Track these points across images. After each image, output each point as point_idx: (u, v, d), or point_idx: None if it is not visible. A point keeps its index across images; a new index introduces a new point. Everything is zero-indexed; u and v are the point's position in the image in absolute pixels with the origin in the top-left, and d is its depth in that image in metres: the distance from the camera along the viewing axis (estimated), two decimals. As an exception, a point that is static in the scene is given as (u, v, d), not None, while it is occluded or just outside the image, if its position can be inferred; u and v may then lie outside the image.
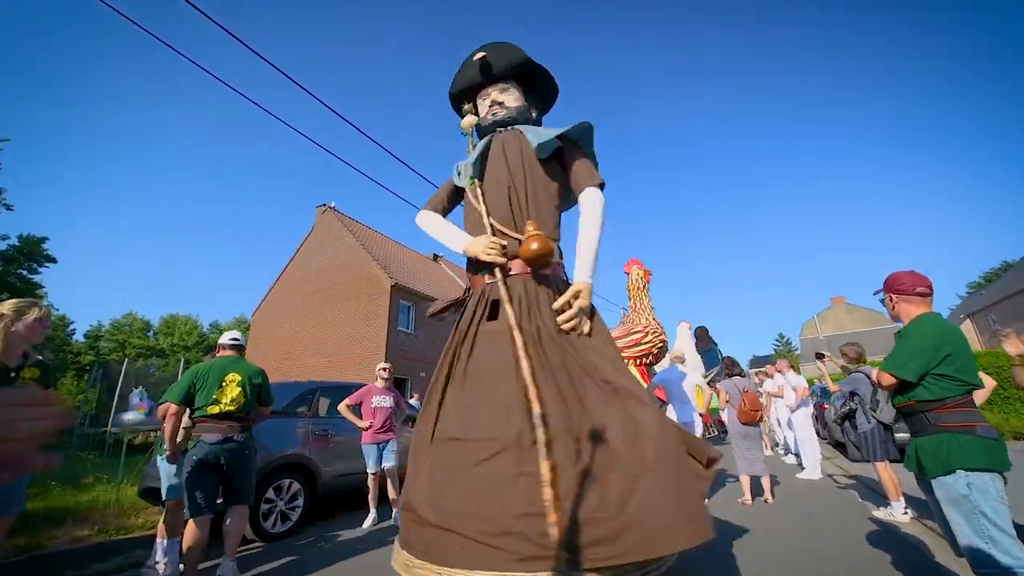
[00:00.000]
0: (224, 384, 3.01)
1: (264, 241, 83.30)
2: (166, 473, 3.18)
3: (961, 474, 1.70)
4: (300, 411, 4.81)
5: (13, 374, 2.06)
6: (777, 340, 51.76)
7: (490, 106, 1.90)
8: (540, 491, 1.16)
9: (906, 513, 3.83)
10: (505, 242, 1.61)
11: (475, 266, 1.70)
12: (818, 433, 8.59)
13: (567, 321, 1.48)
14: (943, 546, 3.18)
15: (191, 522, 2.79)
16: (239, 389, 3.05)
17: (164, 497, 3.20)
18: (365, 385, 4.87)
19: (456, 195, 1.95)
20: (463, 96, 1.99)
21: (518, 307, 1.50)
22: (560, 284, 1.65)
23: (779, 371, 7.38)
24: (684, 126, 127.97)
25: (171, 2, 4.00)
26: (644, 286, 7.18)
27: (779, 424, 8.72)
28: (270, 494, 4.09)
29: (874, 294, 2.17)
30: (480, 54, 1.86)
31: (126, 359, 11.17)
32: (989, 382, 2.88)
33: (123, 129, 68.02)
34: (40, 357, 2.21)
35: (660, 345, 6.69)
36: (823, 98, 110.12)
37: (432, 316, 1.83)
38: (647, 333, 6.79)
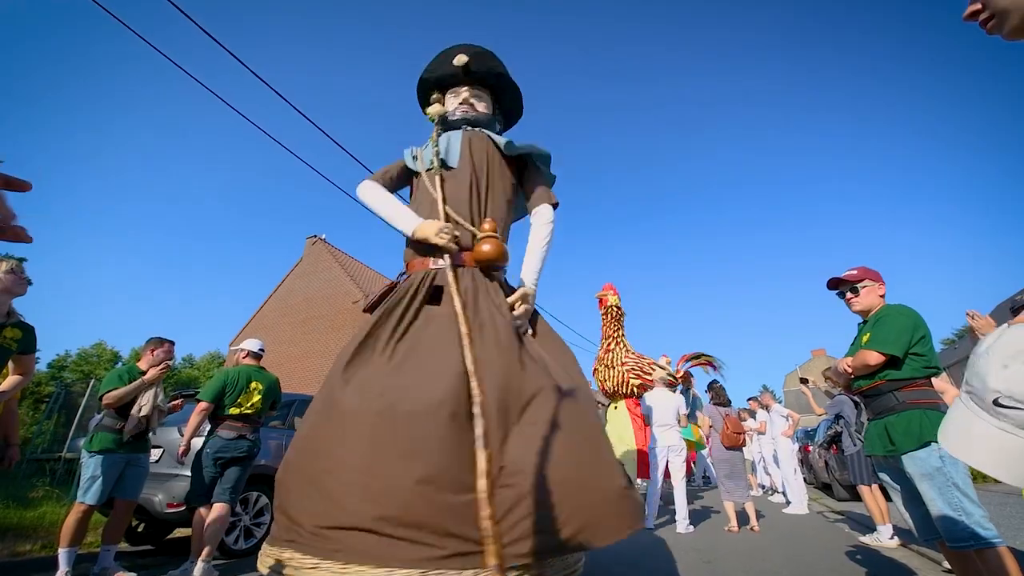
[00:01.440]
0: (250, 390, 3.40)
1: (245, 273, 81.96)
2: (87, 474, 3.02)
3: (935, 447, 1.74)
4: (273, 424, 4.64)
5: None
6: (762, 393, 51.75)
7: (461, 103, 1.91)
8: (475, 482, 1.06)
9: (893, 538, 3.78)
10: (459, 232, 1.57)
11: (419, 249, 1.63)
12: (804, 478, 8.49)
13: (518, 317, 1.50)
14: (929, 566, 3.13)
15: (201, 509, 3.17)
16: (259, 396, 3.43)
17: (79, 499, 2.99)
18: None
19: (404, 178, 1.88)
20: (431, 86, 2.01)
21: (464, 296, 1.44)
22: (505, 286, 1.65)
23: (764, 406, 7.39)
24: (665, 172, 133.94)
25: (155, 5, 3.88)
26: (620, 316, 7.19)
27: (764, 463, 8.61)
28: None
29: (841, 278, 2.20)
30: (464, 57, 1.89)
31: (91, 383, 10.71)
32: (953, 390, 3.00)
33: (95, 144, 65.85)
34: (22, 318, 2.17)
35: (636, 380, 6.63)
36: (800, 150, 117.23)
37: (368, 311, 1.68)
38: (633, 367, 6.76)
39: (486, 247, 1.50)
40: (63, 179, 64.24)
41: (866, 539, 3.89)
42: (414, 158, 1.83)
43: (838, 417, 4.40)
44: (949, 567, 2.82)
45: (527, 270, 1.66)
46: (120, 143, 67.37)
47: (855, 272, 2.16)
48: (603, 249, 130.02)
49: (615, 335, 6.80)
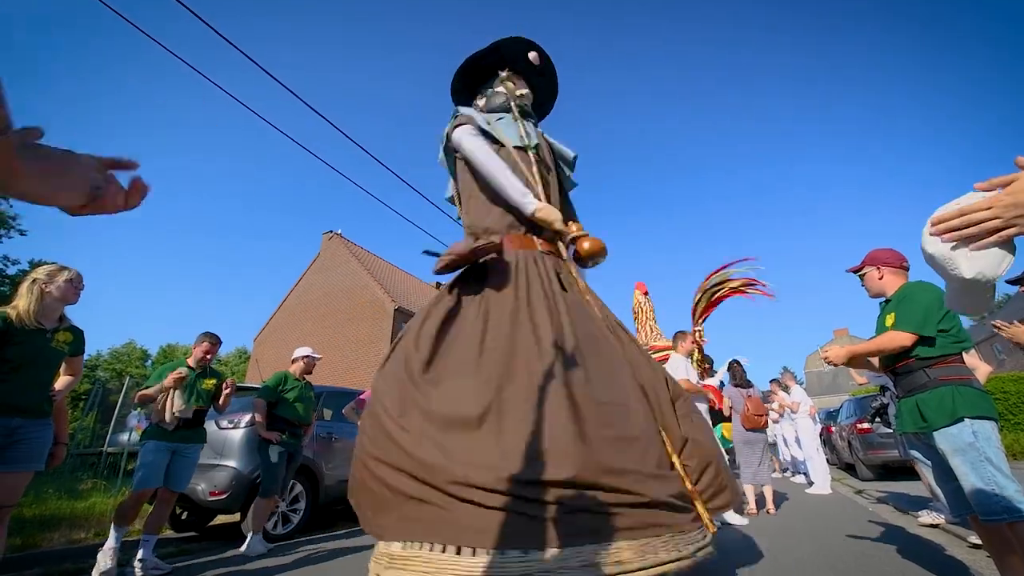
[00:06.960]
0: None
1: (266, 269, 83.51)
2: (136, 462, 3.11)
3: (967, 422, 1.74)
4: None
5: (49, 335, 2.13)
6: (782, 374, 51.07)
7: (521, 95, 1.93)
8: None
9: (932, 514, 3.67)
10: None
11: (516, 226, 1.61)
12: (827, 459, 8.40)
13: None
14: (956, 543, 3.11)
15: (270, 499, 3.69)
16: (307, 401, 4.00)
17: (136, 486, 3.04)
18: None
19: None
20: (495, 62, 1.98)
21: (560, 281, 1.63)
22: None
23: (785, 387, 7.33)
24: (686, 152, 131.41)
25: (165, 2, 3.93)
26: (652, 309, 7.36)
27: (785, 444, 8.57)
28: (273, 494, 4.04)
29: (848, 271, 2.29)
30: (536, 57, 1.97)
31: (127, 380, 11.10)
32: (984, 367, 2.97)
33: (115, 146, 67.64)
34: (73, 323, 2.28)
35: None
36: (824, 128, 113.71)
37: (442, 271, 1.54)
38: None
39: (586, 245, 1.64)
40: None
41: (927, 518, 3.70)
42: (487, 123, 1.76)
43: (883, 388, 4.31)
44: (975, 542, 2.80)
45: None
46: (139, 145, 68.62)
47: (861, 262, 2.23)
48: (620, 235, 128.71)
49: (651, 326, 7.19)
